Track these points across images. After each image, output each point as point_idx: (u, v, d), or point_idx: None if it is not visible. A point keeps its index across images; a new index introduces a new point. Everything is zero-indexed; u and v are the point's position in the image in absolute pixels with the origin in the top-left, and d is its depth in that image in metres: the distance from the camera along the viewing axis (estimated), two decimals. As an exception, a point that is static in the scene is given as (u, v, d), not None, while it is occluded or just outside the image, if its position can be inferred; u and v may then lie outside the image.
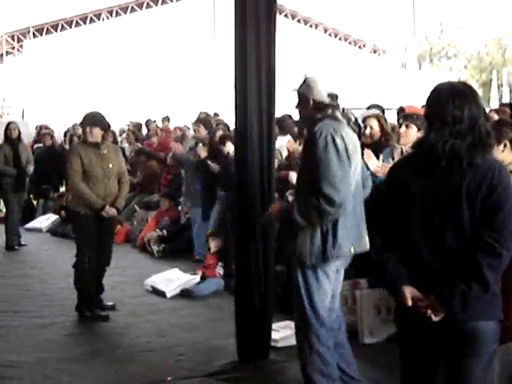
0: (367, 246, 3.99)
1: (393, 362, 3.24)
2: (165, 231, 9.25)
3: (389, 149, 5.61)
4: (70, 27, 32.95)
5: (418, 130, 5.20)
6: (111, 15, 33.68)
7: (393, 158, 5.41)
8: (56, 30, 32.87)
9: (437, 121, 2.79)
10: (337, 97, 4.09)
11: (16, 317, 6.35)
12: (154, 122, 15.28)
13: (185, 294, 7.01)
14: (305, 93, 4.12)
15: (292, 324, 5.36)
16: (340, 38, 36.21)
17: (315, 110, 4.05)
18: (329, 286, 4.03)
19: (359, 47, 35.92)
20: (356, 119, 4.21)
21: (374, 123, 5.88)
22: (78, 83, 22.43)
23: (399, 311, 2.96)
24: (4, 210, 10.64)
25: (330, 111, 4.03)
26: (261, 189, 4.77)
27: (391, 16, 33.61)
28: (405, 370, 2.99)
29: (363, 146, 4.82)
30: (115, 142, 11.57)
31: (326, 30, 36.03)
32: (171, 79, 22.63)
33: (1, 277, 8.11)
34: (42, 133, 13.30)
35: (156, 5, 33.59)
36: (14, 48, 33.33)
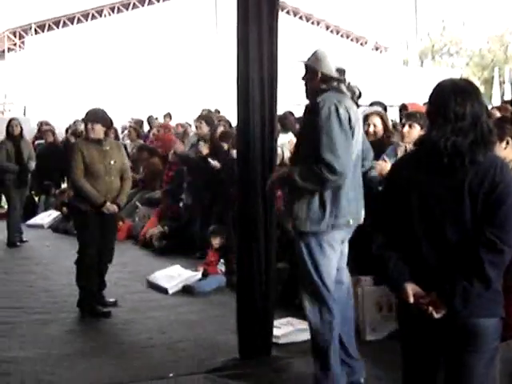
0: (362, 219, 4.04)
1: (394, 358, 3.24)
2: (166, 228, 9.26)
3: (393, 147, 5.62)
4: (72, 24, 32.94)
5: (422, 128, 5.21)
6: (113, 12, 33.67)
7: (397, 156, 5.42)
8: (58, 27, 32.86)
9: (439, 118, 2.79)
10: (344, 71, 4.10)
11: (18, 313, 6.36)
12: (156, 119, 15.30)
13: (186, 290, 7.02)
14: (313, 65, 4.12)
15: (294, 321, 5.40)
16: (342, 35, 36.18)
17: (321, 83, 4.07)
18: (335, 257, 4.05)
19: (361, 44, 35.87)
20: (360, 93, 4.22)
21: (377, 121, 5.88)
22: (79, 80, 22.40)
23: (401, 308, 2.96)
24: (6, 206, 10.66)
25: (335, 83, 4.05)
26: (263, 186, 4.77)
27: (393, 13, 33.61)
28: (406, 366, 3.00)
29: None
30: (117, 138, 11.58)
31: (327, 27, 36.00)
32: (173, 76, 22.60)
33: (3, 273, 8.13)
34: (44, 129, 13.31)
35: (158, 1, 33.59)
36: (15, 44, 33.31)
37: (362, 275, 5.29)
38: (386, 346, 4.89)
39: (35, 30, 32.52)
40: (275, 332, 5.06)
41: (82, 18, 33.03)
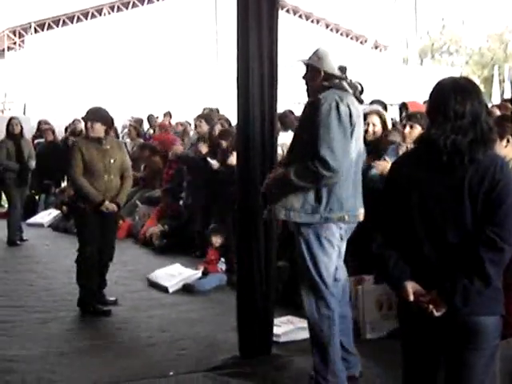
0: (361, 217, 4.04)
1: (394, 357, 3.24)
2: (166, 226, 9.26)
3: (394, 146, 5.63)
4: (72, 22, 32.93)
5: (423, 129, 5.21)
6: (113, 10, 33.64)
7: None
8: (57, 26, 32.85)
9: (439, 116, 2.79)
10: (346, 69, 4.10)
11: (19, 311, 6.37)
12: (157, 117, 15.30)
13: (187, 288, 7.03)
14: (315, 64, 4.11)
15: (294, 319, 5.41)
16: (342, 34, 36.17)
17: (323, 81, 4.07)
18: (334, 254, 4.05)
19: (361, 43, 35.86)
20: (363, 89, 4.22)
21: (376, 120, 5.88)
22: (79, 78, 22.41)
23: (401, 306, 2.96)
24: (6, 205, 10.66)
25: (337, 81, 4.04)
26: (262, 184, 4.76)
27: (393, 11, 33.58)
28: (406, 365, 3.00)
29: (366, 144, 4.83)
30: (117, 137, 11.58)
31: (327, 26, 35.99)
32: (173, 74, 22.60)
33: (3, 272, 8.13)
34: (43, 128, 13.31)
35: (157, 0, 33.56)
36: (15, 43, 33.31)
37: (363, 274, 5.30)
38: (386, 344, 4.88)
39: (35, 28, 32.50)
40: (275, 330, 5.06)
41: (81, 17, 33.02)
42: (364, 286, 5.32)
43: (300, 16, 35.23)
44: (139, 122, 14.57)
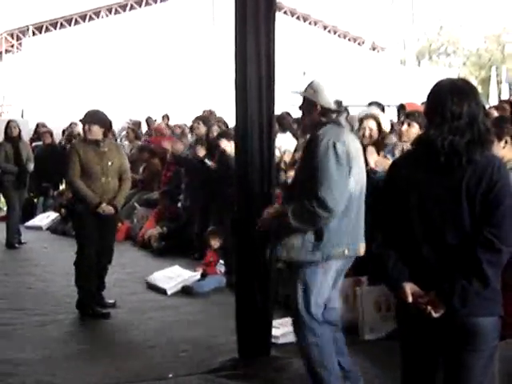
0: (362, 251, 4.01)
1: (393, 358, 3.25)
2: (165, 228, 9.26)
3: (390, 147, 5.64)
4: (69, 25, 32.88)
5: (420, 128, 5.23)
6: (110, 13, 33.60)
7: (394, 156, 5.44)
8: (55, 28, 32.81)
9: (436, 117, 2.81)
10: (341, 103, 4.09)
11: (18, 314, 6.37)
12: (155, 120, 15.29)
13: (185, 291, 7.03)
14: (311, 98, 4.07)
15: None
16: (339, 35, 36.16)
17: (321, 116, 4.05)
18: (327, 288, 4.04)
19: (358, 44, 35.86)
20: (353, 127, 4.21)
21: (372, 124, 5.89)
22: (77, 81, 22.42)
23: (399, 308, 2.97)
24: (5, 208, 10.66)
25: (334, 116, 4.03)
26: (260, 186, 4.78)
27: (390, 13, 33.61)
28: (405, 366, 3.00)
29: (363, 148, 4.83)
30: (114, 139, 11.57)
31: (325, 27, 35.98)
32: (171, 77, 22.62)
33: (2, 275, 8.13)
34: (41, 131, 13.32)
35: (155, 2, 33.55)
36: (13, 46, 33.26)
37: (357, 275, 5.30)
38: (384, 345, 4.89)
39: (32, 31, 32.46)
40: (274, 332, 5.07)
41: (79, 20, 32.97)
42: (362, 287, 5.33)
43: (298, 18, 35.21)
44: (137, 124, 14.58)
